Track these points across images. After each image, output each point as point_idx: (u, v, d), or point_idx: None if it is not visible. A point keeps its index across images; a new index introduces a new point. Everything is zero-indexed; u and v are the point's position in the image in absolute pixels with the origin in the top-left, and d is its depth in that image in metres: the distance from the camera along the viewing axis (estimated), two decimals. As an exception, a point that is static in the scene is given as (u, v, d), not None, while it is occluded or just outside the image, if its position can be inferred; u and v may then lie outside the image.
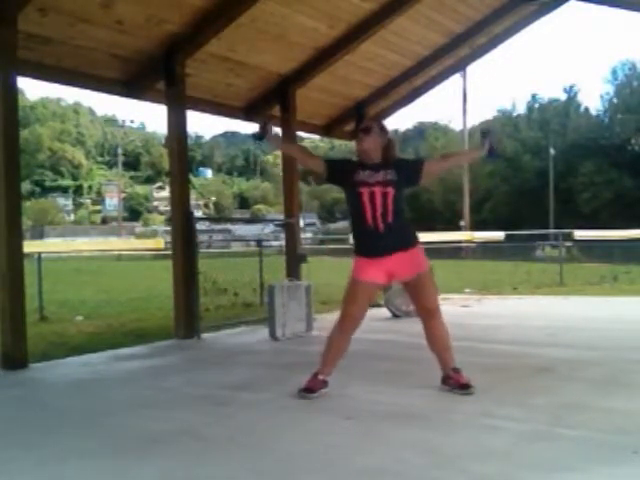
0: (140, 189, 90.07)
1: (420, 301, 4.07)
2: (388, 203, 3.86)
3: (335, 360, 4.08)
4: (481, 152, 4.20)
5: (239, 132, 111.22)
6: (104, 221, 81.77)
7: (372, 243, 3.93)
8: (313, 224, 64.29)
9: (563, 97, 45.20)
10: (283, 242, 8.71)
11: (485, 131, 4.28)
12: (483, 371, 4.47)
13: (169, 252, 8.16)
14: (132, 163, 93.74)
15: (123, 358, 5.68)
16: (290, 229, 8.35)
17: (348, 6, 7.07)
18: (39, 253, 10.21)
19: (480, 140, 4.19)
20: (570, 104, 44.10)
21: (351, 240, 4.22)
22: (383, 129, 4.07)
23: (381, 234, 3.88)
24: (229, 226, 59.81)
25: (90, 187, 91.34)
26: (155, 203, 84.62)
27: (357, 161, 4.03)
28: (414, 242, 4.03)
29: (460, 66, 10.15)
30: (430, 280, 4.06)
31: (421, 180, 4.05)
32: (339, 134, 10.06)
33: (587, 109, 43.96)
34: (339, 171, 4.05)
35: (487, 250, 23.11)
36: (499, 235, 16.38)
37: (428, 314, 4.06)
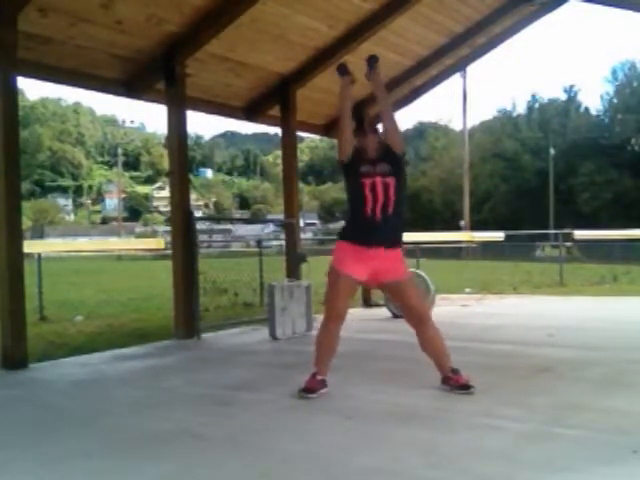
0: (140, 189, 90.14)
1: (407, 308, 4.12)
2: (390, 194, 3.94)
3: (328, 359, 4.09)
4: (370, 77, 4.19)
5: (239, 132, 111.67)
6: (104, 221, 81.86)
7: (366, 232, 3.97)
8: (313, 224, 64.33)
9: (563, 97, 45.21)
10: (283, 242, 8.71)
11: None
12: (483, 371, 4.47)
13: (169, 252, 8.16)
14: (132, 163, 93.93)
15: (123, 358, 5.68)
16: (290, 229, 8.35)
17: (348, 6, 7.07)
18: (39, 253, 10.21)
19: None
20: (570, 104, 44.06)
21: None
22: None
23: (377, 225, 3.93)
24: (229, 226, 59.94)
25: (90, 187, 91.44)
26: (155, 203, 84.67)
27: (360, 156, 4.09)
28: (401, 244, 4.11)
29: (460, 66, 10.16)
30: (413, 287, 4.15)
31: (394, 146, 4.03)
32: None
33: (587, 109, 43.95)
34: (354, 159, 4.08)
35: (487, 250, 23.15)
36: (499, 235, 16.38)
37: (418, 320, 4.09)
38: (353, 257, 3.98)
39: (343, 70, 4.19)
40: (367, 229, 3.96)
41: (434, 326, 4.11)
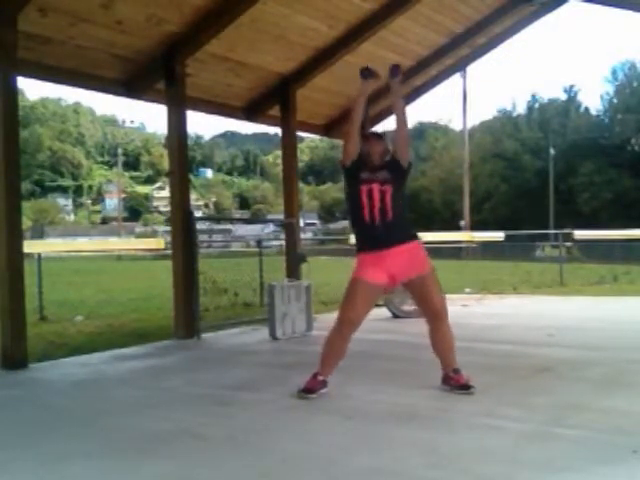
0: (140, 189, 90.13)
1: (426, 303, 4.08)
2: (387, 201, 3.92)
3: (335, 362, 4.08)
4: (394, 87, 4.10)
5: (239, 132, 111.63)
6: (104, 221, 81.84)
7: (370, 236, 3.97)
8: (313, 224, 64.34)
9: (563, 97, 45.17)
10: (283, 242, 8.71)
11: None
12: (483, 371, 4.47)
13: (169, 252, 8.16)
14: (132, 163, 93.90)
15: (123, 358, 5.68)
16: (290, 229, 8.35)
17: (348, 6, 7.07)
18: (39, 253, 10.20)
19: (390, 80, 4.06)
20: (570, 104, 44.04)
21: (352, 240, 4.23)
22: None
23: (377, 227, 3.92)
24: (229, 226, 59.94)
25: (90, 187, 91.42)
26: (155, 203, 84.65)
27: (363, 161, 4.06)
28: (413, 238, 4.05)
29: (460, 66, 10.16)
30: (434, 282, 4.06)
31: (401, 157, 4.01)
32: (339, 134, 10.05)
33: (587, 109, 43.91)
34: (357, 164, 4.06)
35: (487, 250, 23.14)
36: (499, 235, 16.38)
37: (435, 317, 4.07)
38: (370, 263, 3.95)
39: (367, 74, 4.05)
40: (370, 235, 3.96)
41: (449, 324, 4.10)
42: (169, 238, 7.91)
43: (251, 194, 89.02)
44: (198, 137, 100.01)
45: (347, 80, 8.60)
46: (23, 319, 5.27)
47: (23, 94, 78.61)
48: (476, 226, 29.85)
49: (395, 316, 7.90)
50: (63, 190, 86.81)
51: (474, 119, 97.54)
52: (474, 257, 23.96)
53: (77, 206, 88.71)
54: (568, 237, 15.92)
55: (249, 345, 6.35)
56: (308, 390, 3.95)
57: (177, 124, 6.71)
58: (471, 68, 42.42)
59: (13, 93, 5.27)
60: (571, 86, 45.95)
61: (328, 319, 5.76)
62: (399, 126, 4.11)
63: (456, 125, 53.99)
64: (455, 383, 3.99)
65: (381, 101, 9.43)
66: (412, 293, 4.18)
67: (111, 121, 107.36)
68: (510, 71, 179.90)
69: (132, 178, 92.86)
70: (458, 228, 31.67)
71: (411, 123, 66.55)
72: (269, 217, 52.88)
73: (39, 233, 57.05)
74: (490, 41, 9.12)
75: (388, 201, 3.92)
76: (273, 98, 8.19)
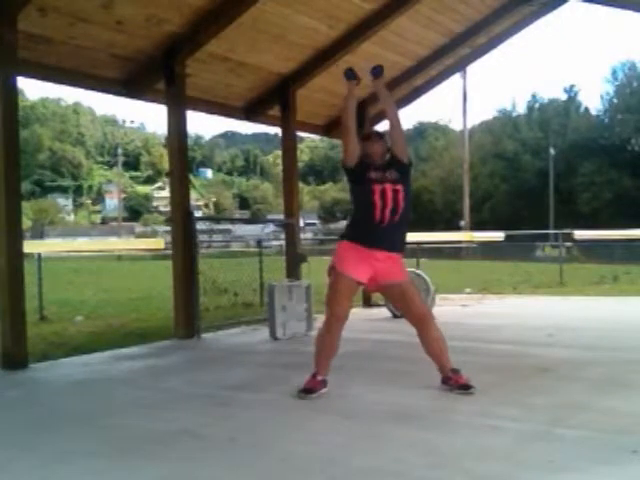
0: (140, 189, 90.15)
1: (409, 309, 4.10)
2: (399, 200, 3.94)
3: (328, 360, 4.09)
4: (375, 85, 4.19)
5: (239, 132, 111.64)
6: (104, 221, 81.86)
7: (372, 235, 3.97)
8: (313, 224, 64.33)
9: (563, 97, 45.18)
10: (283, 242, 8.71)
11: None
12: (483, 371, 4.48)
13: (169, 252, 8.16)
14: (132, 163, 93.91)
15: (123, 358, 5.68)
16: (290, 229, 8.35)
17: (348, 6, 7.07)
18: (39, 253, 10.21)
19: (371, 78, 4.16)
20: (570, 104, 44.04)
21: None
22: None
23: (384, 230, 3.93)
24: (229, 226, 59.92)
25: (90, 187, 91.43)
26: (155, 203, 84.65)
27: (367, 161, 4.06)
28: (403, 249, 4.13)
29: (460, 66, 10.16)
30: (413, 288, 4.16)
31: (400, 155, 4.02)
32: (339, 134, 10.04)
33: (587, 109, 43.92)
34: (361, 164, 4.05)
35: (487, 250, 23.14)
36: (499, 235, 16.38)
37: (420, 321, 4.07)
38: (355, 257, 3.98)
39: (350, 74, 4.17)
40: (373, 233, 3.96)
41: (436, 326, 4.10)
42: (169, 238, 7.91)
43: (251, 194, 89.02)
44: (198, 137, 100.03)
45: (347, 80, 8.61)
46: (23, 319, 5.27)
47: (23, 94, 78.69)
48: (476, 226, 29.85)
49: (395, 316, 7.90)
50: (63, 190, 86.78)
51: (474, 119, 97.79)
52: (474, 257, 23.97)
53: (77, 206, 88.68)
54: (568, 237, 15.93)
55: (249, 345, 6.35)
56: (308, 390, 3.95)
57: (177, 124, 6.71)
58: (471, 68, 42.48)
59: (13, 93, 5.27)
60: (571, 86, 46.01)
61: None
62: (393, 125, 4.12)
63: (456, 125, 54.20)
64: (455, 383, 3.99)
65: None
66: (393, 300, 4.24)
67: (111, 121, 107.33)
68: (510, 71, 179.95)
69: (132, 178, 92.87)
70: (458, 228, 31.68)
71: (411, 123, 66.58)
72: (269, 217, 52.83)
73: (39, 233, 57.02)
74: (490, 41, 9.11)
75: (400, 201, 3.93)
76: (273, 98, 8.19)
